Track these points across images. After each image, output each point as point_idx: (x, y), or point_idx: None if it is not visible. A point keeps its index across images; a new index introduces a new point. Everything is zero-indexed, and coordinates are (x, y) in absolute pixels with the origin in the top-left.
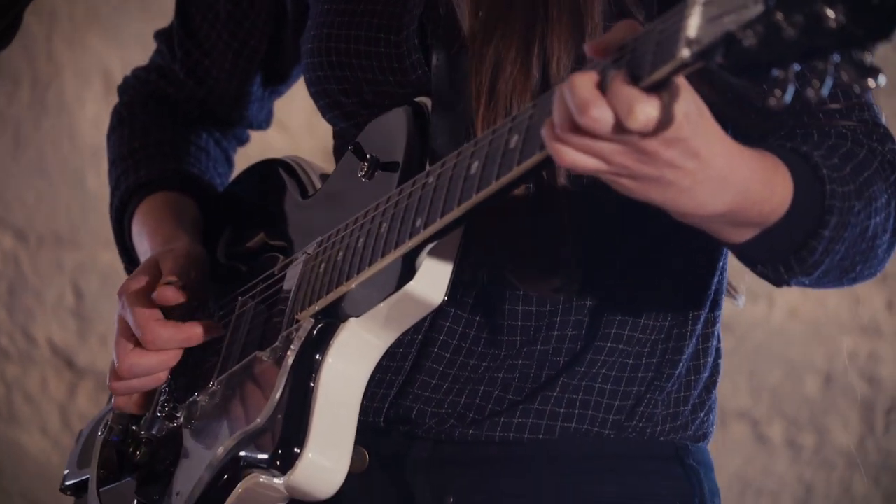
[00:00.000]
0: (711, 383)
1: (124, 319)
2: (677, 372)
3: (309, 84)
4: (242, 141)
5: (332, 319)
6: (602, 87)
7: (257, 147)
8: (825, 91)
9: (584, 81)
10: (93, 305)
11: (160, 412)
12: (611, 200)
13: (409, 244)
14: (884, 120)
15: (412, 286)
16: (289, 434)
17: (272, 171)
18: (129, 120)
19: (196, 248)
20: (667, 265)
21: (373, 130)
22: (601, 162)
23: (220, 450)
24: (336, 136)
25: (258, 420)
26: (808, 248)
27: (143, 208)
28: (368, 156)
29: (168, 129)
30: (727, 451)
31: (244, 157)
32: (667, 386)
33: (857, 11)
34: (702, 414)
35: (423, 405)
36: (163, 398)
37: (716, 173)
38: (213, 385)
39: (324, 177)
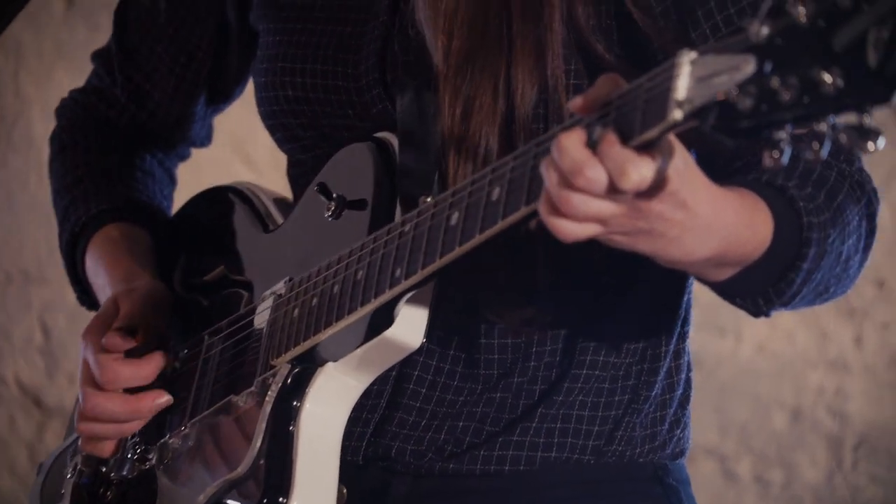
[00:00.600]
0: (685, 399)
1: (85, 361)
2: (654, 393)
3: (264, 117)
4: (184, 158)
5: (308, 364)
6: (589, 144)
7: (224, 182)
8: (825, 153)
9: (573, 142)
10: (61, 343)
11: (130, 453)
12: (581, 251)
13: (389, 294)
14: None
15: (391, 332)
16: (273, 483)
17: (225, 199)
18: (72, 146)
19: (157, 285)
20: (638, 288)
21: (336, 167)
22: (599, 226)
23: (202, 497)
24: (293, 164)
25: (240, 469)
26: (786, 280)
27: (97, 241)
28: (335, 195)
29: (112, 155)
30: (695, 488)
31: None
32: (644, 407)
33: (855, 76)
34: (678, 431)
35: (402, 442)
36: (133, 439)
37: (702, 221)
38: (185, 427)
39: (279, 203)
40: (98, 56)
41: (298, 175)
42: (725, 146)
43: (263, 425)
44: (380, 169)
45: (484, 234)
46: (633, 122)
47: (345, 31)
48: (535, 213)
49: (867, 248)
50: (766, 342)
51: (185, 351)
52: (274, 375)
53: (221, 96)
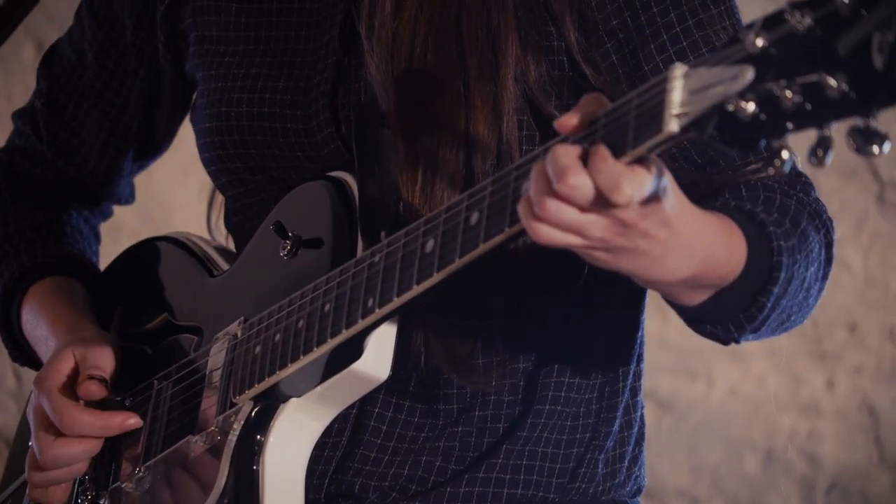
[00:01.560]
0: (641, 437)
1: (42, 410)
2: (613, 429)
3: (208, 162)
4: (106, 216)
5: (271, 401)
6: (583, 160)
7: (195, 223)
8: (829, 160)
9: (567, 150)
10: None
11: (80, 500)
12: (534, 263)
13: (361, 324)
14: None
15: (360, 364)
16: None
17: (163, 249)
18: None
19: (105, 334)
20: (593, 324)
21: (290, 206)
22: (577, 237)
23: None
24: (237, 210)
25: None
26: (757, 304)
27: (35, 295)
28: (290, 234)
29: (39, 211)
30: None
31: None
32: (605, 444)
33: (861, 79)
34: (636, 469)
35: (366, 479)
36: (81, 487)
37: (684, 240)
38: (139, 471)
39: (222, 252)
40: (21, 114)
41: (243, 220)
42: (726, 155)
43: (228, 462)
44: (338, 207)
45: (465, 258)
46: (625, 137)
47: (291, 73)
48: (518, 235)
49: (825, 277)
50: (738, 385)
51: (131, 398)
52: (236, 413)
53: (149, 151)
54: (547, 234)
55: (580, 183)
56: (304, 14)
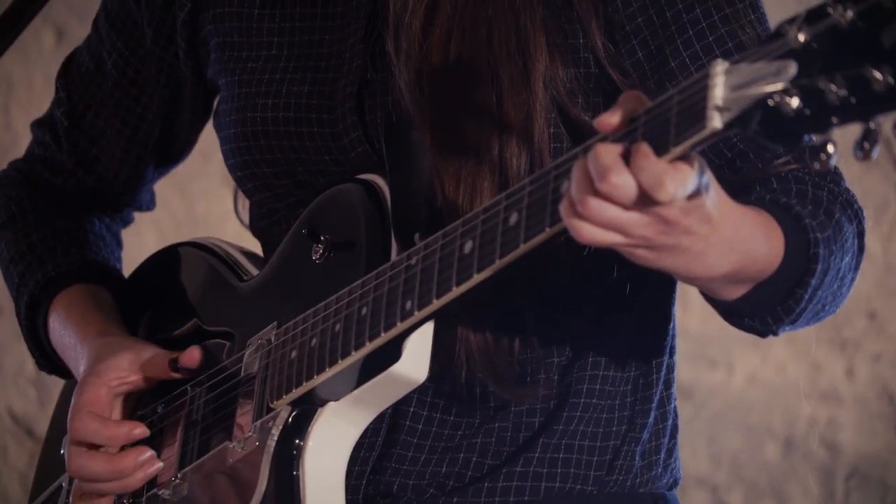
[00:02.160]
0: (675, 429)
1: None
2: (648, 421)
3: (234, 168)
4: (127, 223)
5: (309, 405)
6: (624, 158)
7: (215, 213)
8: (875, 154)
9: (608, 149)
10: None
11: None
12: (566, 256)
13: (400, 327)
14: None
15: (398, 367)
16: None
17: (189, 255)
18: (20, 216)
19: (138, 339)
20: (626, 317)
21: (321, 210)
22: (620, 235)
23: None
24: (264, 215)
25: None
26: (794, 297)
27: (62, 303)
28: (322, 238)
29: (62, 220)
30: None
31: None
32: (641, 436)
33: None
34: (671, 461)
35: (403, 478)
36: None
37: (725, 236)
38: (175, 478)
39: (250, 256)
40: (40, 124)
41: (270, 225)
42: (771, 151)
43: (267, 468)
44: (371, 209)
45: (505, 258)
46: (666, 135)
47: (316, 77)
48: (559, 234)
49: (857, 266)
50: (758, 373)
51: (163, 405)
52: (274, 418)
53: (171, 158)
54: (590, 233)
55: (623, 181)
56: (328, 18)
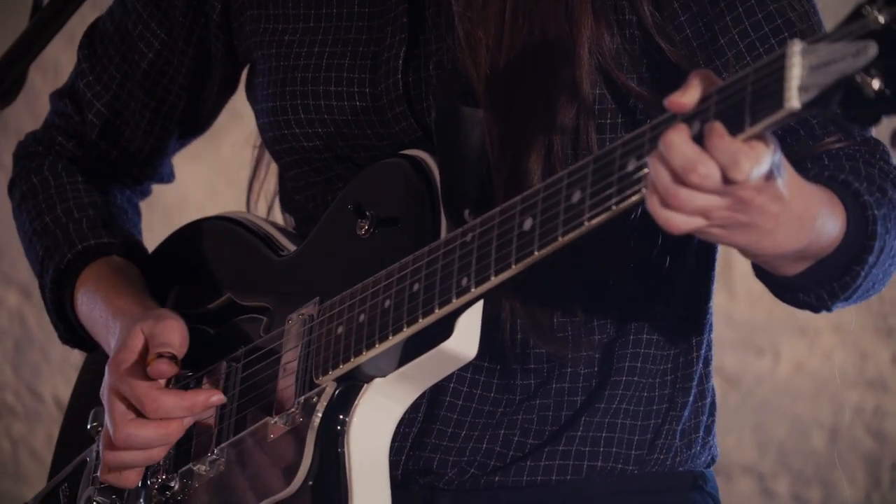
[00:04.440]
0: (713, 406)
1: (118, 392)
2: (689, 400)
3: (272, 142)
4: (146, 195)
5: (354, 381)
6: (694, 138)
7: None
8: None
9: (681, 138)
10: None
11: (151, 482)
12: (608, 235)
13: (456, 303)
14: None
15: (450, 343)
16: (331, 499)
17: (221, 228)
18: (42, 187)
19: (169, 310)
20: (666, 295)
21: (366, 185)
22: (703, 219)
23: None
24: (302, 188)
25: (289, 488)
26: (851, 273)
27: (90, 276)
28: (368, 213)
29: (86, 193)
30: None
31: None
32: (682, 415)
33: None
34: (710, 438)
35: (444, 455)
36: (152, 468)
37: (795, 214)
38: (212, 453)
39: (284, 231)
40: (60, 94)
41: (306, 199)
42: (850, 131)
43: (312, 444)
44: (419, 185)
45: (568, 236)
46: (741, 114)
47: (357, 51)
48: (623, 213)
49: None
50: (804, 361)
51: (195, 381)
52: (319, 394)
53: (194, 130)
54: (682, 223)
55: (710, 172)
56: None
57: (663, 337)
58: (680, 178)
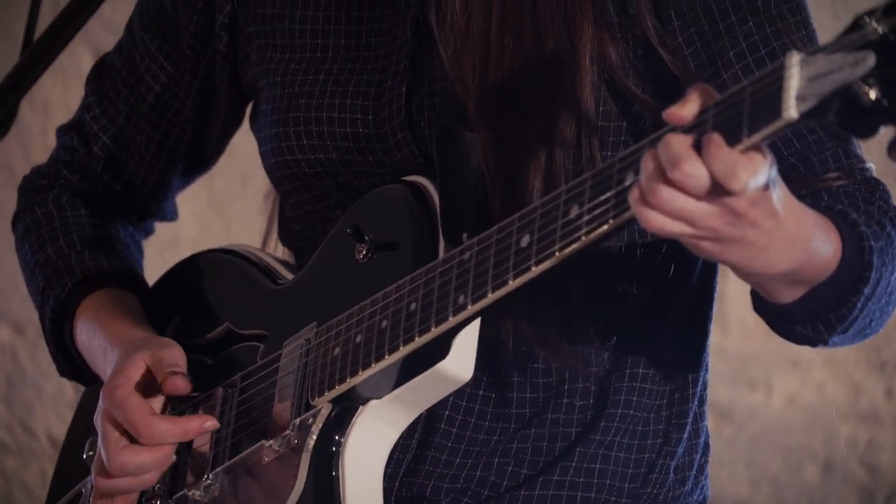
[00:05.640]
0: (706, 447)
1: (112, 418)
2: (683, 436)
3: (273, 169)
4: (148, 233)
5: (350, 402)
6: (695, 149)
7: (255, 234)
8: None
9: (680, 139)
10: None
11: None
12: (611, 266)
13: (453, 321)
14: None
15: (446, 364)
16: None
17: (220, 260)
18: (45, 220)
19: (171, 340)
20: (664, 330)
21: (365, 210)
22: (688, 226)
23: None
24: (297, 219)
25: None
26: (847, 304)
27: (90, 306)
28: (367, 238)
29: (88, 225)
30: None
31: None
32: (676, 451)
33: None
34: (702, 478)
35: (437, 482)
36: (146, 495)
37: (788, 232)
38: (207, 479)
39: (284, 263)
40: (67, 129)
41: (305, 228)
42: (844, 141)
43: (305, 466)
44: (418, 210)
45: (565, 251)
46: (739, 125)
47: (361, 79)
48: (620, 227)
49: None
50: (797, 394)
51: (191, 408)
52: (314, 416)
53: (198, 165)
54: (659, 222)
55: (695, 171)
56: (374, 21)
57: (660, 372)
58: (664, 174)
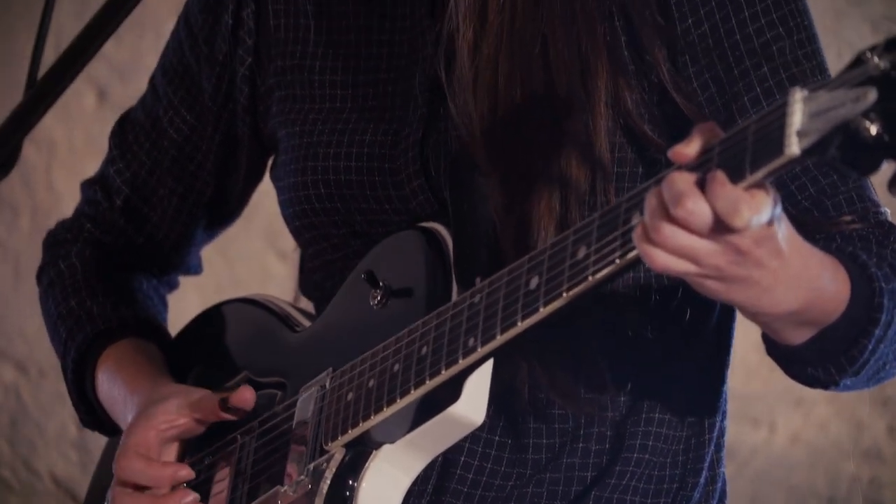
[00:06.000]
0: (723, 494)
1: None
2: (700, 481)
3: (291, 218)
4: (173, 287)
5: (363, 447)
6: (699, 187)
7: (257, 275)
8: None
9: (684, 177)
10: (94, 437)
11: None
12: (627, 311)
13: (462, 363)
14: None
15: (457, 407)
16: None
17: (239, 309)
18: (69, 273)
19: (189, 389)
20: (683, 373)
21: (381, 256)
22: (692, 264)
23: None
24: (315, 269)
25: None
26: (858, 346)
27: (111, 356)
28: (381, 283)
29: (112, 277)
30: None
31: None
32: (692, 496)
33: None
34: None
35: None
36: None
37: (794, 271)
38: None
39: (302, 312)
40: (91, 183)
41: (324, 278)
42: (849, 177)
43: None
44: (432, 256)
45: (573, 291)
46: (742, 162)
47: (378, 127)
48: (627, 267)
49: None
50: (800, 432)
51: (210, 455)
52: (328, 460)
53: (221, 219)
54: (663, 260)
55: (698, 208)
56: (392, 71)
57: (676, 417)
58: (667, 211)
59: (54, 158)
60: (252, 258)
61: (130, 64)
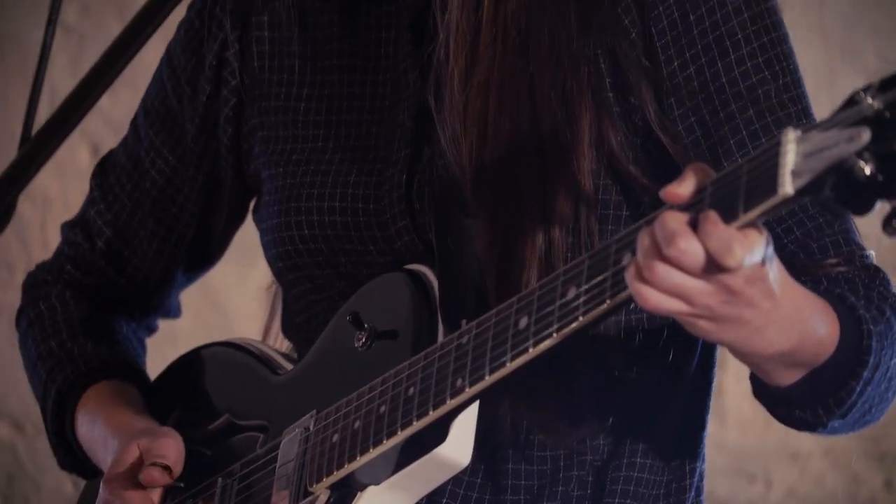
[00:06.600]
0: None
1: None
2: None
3: (275, 259)
4: (151, 331)
5: (348, 489)
6: (690, 224)
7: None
8: None
9: (675, 216)
10: None
11: None
12: (611, 350)
13: (450, 404)
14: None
15: (444, 448)
16: None
17: (220, 353)
18: (48, 314)
19: (169, 429)
20: (663, 418)
21: (366, 298)
22: (684, 303)
23: None
24: (299, 311)
25: None
26: (846, 388)
27: (91, 397)
28: (367, 325)
29: (91, 319)
30: None
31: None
32: None
33: None
34: None
35: None
36: None
37: (785, 312)
38: None
39: (284, 355)
40: (72, 225)
41: (308, 320)
42: (843, 217)
43: None
44: (418, 298)
45: (563, 332)
46: (735, 202)
47: (363, 168)
48: (617, 307)
49: None
50: (796, 487)
51: (191, 498)
52: (313, 502)
53: (202, 261)
54: (655, 300)
55: (690, 248)
56: (375, 112)
57: (657, 462)
58: (660, 251)
59: (49, 214)
60: (247, 309)
61: (125, 119)
